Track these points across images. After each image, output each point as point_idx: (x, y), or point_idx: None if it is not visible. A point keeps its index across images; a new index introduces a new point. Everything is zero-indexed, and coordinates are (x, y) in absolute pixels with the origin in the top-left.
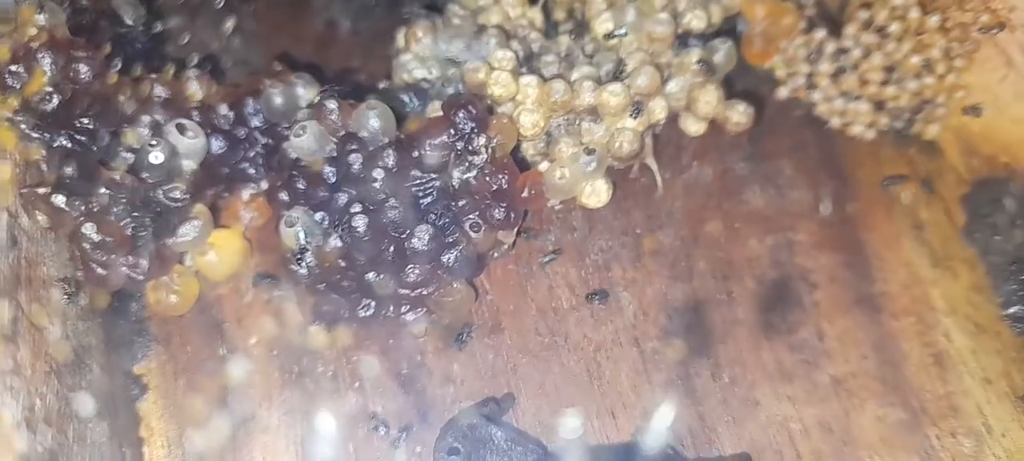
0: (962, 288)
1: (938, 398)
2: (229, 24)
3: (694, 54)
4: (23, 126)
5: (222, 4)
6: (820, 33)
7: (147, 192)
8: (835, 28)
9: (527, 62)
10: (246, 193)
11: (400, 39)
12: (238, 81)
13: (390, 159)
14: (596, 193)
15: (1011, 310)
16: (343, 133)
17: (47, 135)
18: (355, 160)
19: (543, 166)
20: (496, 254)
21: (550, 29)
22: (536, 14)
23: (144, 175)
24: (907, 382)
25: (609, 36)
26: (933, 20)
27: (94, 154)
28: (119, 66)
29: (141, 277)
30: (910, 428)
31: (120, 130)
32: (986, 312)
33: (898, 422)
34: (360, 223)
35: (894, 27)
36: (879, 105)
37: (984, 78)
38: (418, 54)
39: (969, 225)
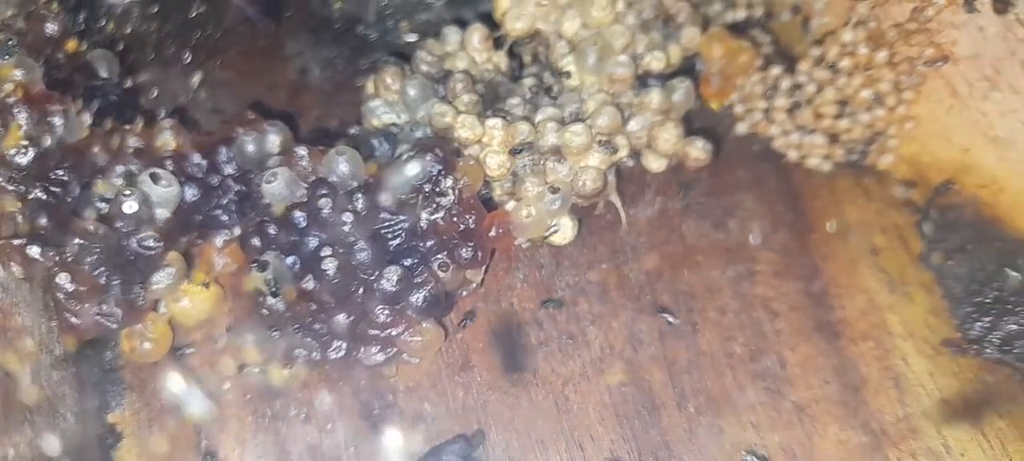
0: (919, 312)
1: (898, 420)
2: (196, 78)
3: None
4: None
5: (189, 59)
6: (775, 70)
7: (121, 241)
8: (790, 64)
9: (493, 105)
10: (219, 240)
11: (370, 85)
12: (211, 129)
13: (359, 203)
14: (562, 230)
15: (972, 333)
16: (313, 178)
17: (22, 187)
18: (325, 204)
19: (510, 205)
20: (464, 293)
21: (517, 71)
22: (501, 58)
23: (118, 224)
24: (867, 405)
25: (561, 74)
26: (881, 55)
27: (68, 205)
28: (92, 119)
29: (115, 325)
30: (871, 451)
31: (93, 181)
32: (943, 334)
33: (859, 445)
34: (330, 266)
35: (845, 63)
36: (833, 138)
37: (932, 109)
38: (387, 99)
39: (924, 250)
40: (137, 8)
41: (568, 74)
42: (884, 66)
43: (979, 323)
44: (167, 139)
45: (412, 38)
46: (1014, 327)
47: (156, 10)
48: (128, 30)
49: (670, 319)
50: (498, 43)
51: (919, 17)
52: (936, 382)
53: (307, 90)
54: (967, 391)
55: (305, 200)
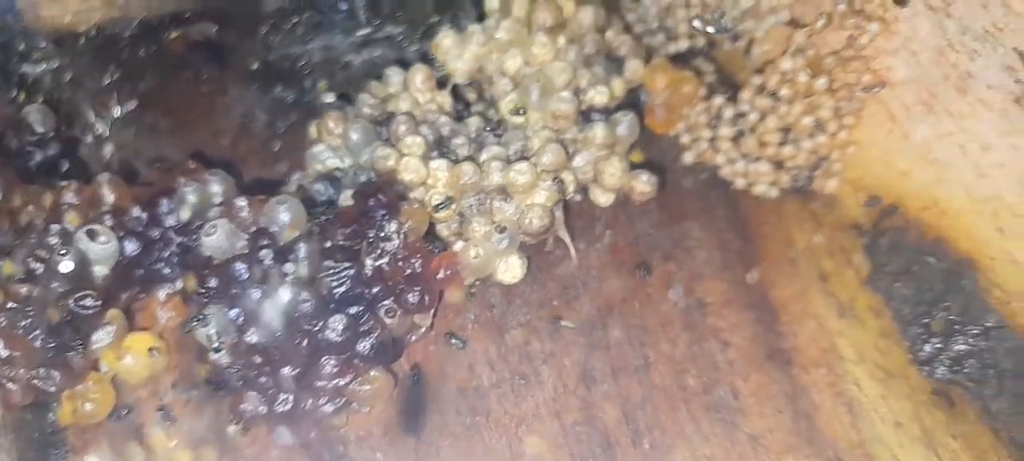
0: (870, 335)
1: (852, 446)
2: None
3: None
4: None
5: (130, 109)
6: (718, 99)
7: (58, 302)
8: (734, 93)
9: (438, 146)
10: (162, 293)
11: (312, 130)
12: (153, 180)
13: (301, 252)
14: (511, 269)
15: (922, 354)
16: (254, 229)
17: None
18: (266, 255)
19: (458, 246)
20: (414, 338)
21: (462, 110)
22: (445, 99)
23: (54, 284)
24: (821, 433)
25: (516, 112)
26: (820, 82)
27: None
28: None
29: (53, 388)
30: None
31: (26, 242)
32: (894, 357)
33: None
34: (270, 319)
35: (785, 91)
36: (779, 164)
37: (872, 133)
38: (330, 144)
39: (872, 274)
40: (73, 60)
41: (521, 111)
42: (824, 93)
43: (929, 344)
44: (105, 193)
45: (329, 98)
46: (963, 347)
47: (94, 61)
48: (67, 79)
49: (623, 355)
50: (441, 83)
51: (854, 44)
52: (889, 406)
53: (252, 136)
54: (920, 413)
55: (246, 251)
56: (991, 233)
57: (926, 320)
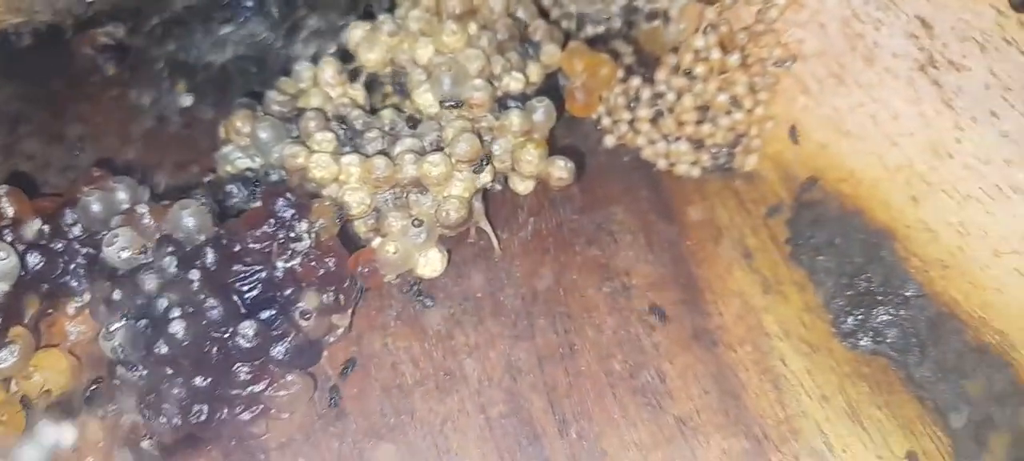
0: (794, 310)
1: (779, 422)
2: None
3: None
4: None
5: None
6: (635, 80)
7: None
8: (651, 74)
9: (351, 140)
10: (71, 307)
11: (221, 130)
12: (61, 191)
13: (208, 257)
14: (430, 263)
15: (846, 327)
16: (158, 236)
17: None
18: (169, 263)
19: (376, 242)
20: (332, 339)
21: (377, 103)
22: (358, 92)
23: None
24: (748, 411)
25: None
26: (733, 59)
27: None
28: None
29: None
30: (754, 457)
31: None
32: (818, 331)
33: (743, 452)
34: (178, 328)
35: (699, 69)
36: (698, 143)
37: (787, 107)
38: (239, 144)
39: (795, 248)
40: None
41: (459, 103)
42: (737, 69)
43: (852, 316)
44: (4, 206)
45: (188, 101)
46: (885, 317)
47: None
48: None
49: (548, 343)
50: (353, 76)
51: (765, 18)
52: (814, 380)
53: (164, 139)
54: (845, 385)
55: (150, 260)
56: (905, 202)
57: (849, 292)
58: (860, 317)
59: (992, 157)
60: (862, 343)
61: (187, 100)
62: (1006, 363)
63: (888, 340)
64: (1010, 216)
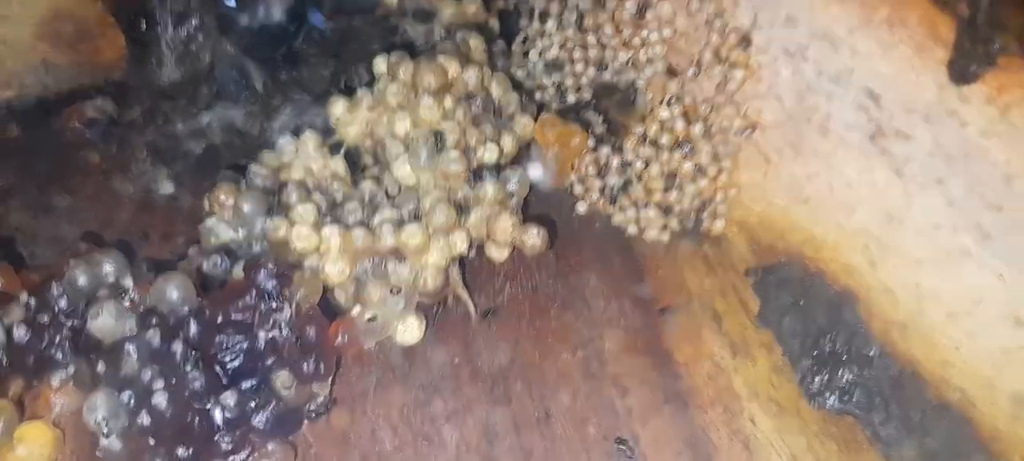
0: (762, 371)
1: None
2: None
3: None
4: None
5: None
6: (605, 150)
7: None
8: (621, 143)
9: (331, 211)
10: (56, 380)
11: (205, 203)
12: (48, 262)
13: (191, 329)
14: (409, 330)
15: (813, 387)
16: (142, 309)
17: None
18: (153, 336)
19: (356, 310)
20: (312, 407)
21: (358, 174)
22: (339, 164)
23: None
24: None
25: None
26: (697, 128)
27: None
28: None
29: None
30: None
31: None
32: (786, 391)
33: None
34: (160, 400)
35: (665, 138)
36: (666, 210)
37: (751, 175)
38: (222, 216)
39: (762, 310)
40: None
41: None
42: (701, 139)
43: (818, 377)
44: None
45: (168, 188)
46: (850, 377)
47: None
48: None
49: (523, 409)
50: (334, 149)
51: (725, 90)
52: (784, 440)
53: (153, 210)
54: (814, 445)
55: (135, 333)
56: (865, 265)
57: (815, 353)
58: (826, 377)
59: (941, 222)
60: (829, 402)
61: (168, 187)
62: (967, 420)
63: (854, 399)
64: (960, 279)
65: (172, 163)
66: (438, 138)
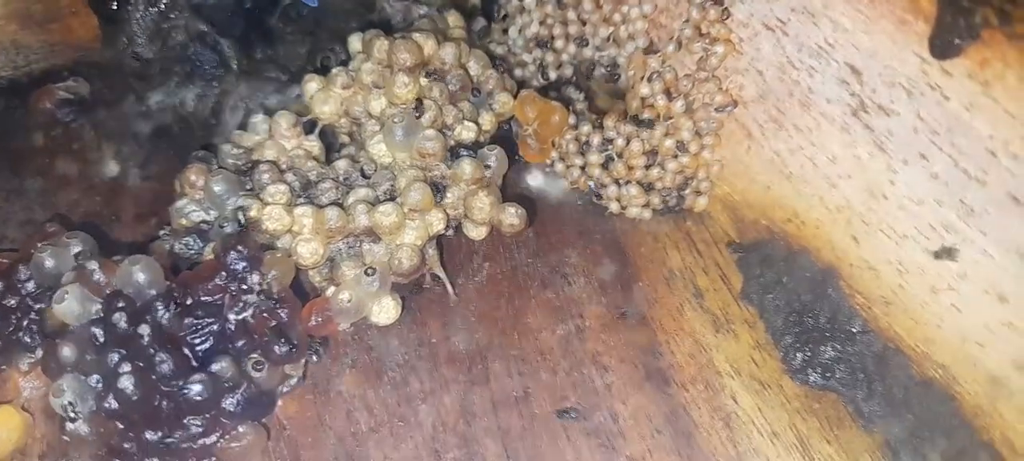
0: (744, 348)
1: (730, 460)
2: None
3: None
4: None
5: None
6: (585, 127)
7: None
8: (601, 120)
9: (305, 191)
10: (24, 363)
11: (177, 184)
12: (17, 246)
13: (159, 312)
14: (384, 310)
15: (795, 363)
16: (109, 292)
17: None
18: (119, 318)
19: (330, 291)
20: (285, 389)
21: (335, 154)
22: (313, 144)
23: None
24: (700, 450)
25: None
26: (678, 105)
27: None
28: None
29: None
30: None
31: None
32: (768, 368)
33: None
34: (127, 384)
35: (646, 115)
36: (648, 187)
37: (733, 150)
38: (193, 197)
39: (745, 287)
40: None
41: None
42: (682, 115)
43: (801, 353)
44: None
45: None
46: (832, 353)
47: None
48: None
49: (502, 388)
50: (309, 128)
51: (706, 65)
52: (765, 417)
53: (124, 192)
54: (795, 421)
55: (101, 316)
56: (847, 242)
57: (797, 329)
58: (809, 353)
59: (924, 198)
60: (812, 379)
61: (141, 168)
62: (950, 396)
63: (837, 375)
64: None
65: (144, 144)
66: (417, 105)
